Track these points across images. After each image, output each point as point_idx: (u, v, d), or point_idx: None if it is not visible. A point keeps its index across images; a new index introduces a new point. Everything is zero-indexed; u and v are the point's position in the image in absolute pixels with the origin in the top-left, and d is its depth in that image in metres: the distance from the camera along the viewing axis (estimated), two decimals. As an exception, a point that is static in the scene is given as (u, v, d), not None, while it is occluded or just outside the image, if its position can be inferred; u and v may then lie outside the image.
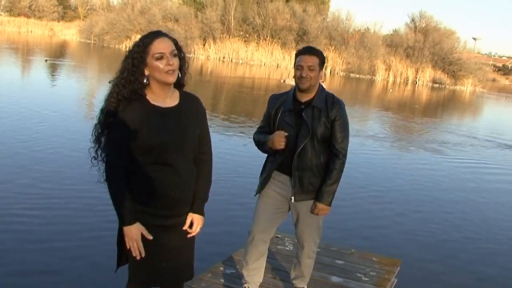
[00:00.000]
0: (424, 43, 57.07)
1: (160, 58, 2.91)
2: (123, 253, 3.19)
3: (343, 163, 4.12)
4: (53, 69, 27.93)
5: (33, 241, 6.10)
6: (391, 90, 43.60)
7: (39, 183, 8.13)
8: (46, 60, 30.85)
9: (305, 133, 4.04)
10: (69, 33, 67.27)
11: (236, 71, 42.29)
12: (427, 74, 56.66)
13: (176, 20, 56.41)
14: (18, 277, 5.27)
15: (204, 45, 55.21)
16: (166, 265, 3.10)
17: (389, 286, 5.22)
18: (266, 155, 4.31)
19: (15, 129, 11.72)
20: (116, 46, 55.20)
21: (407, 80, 55.87)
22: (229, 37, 55.41)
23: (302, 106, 4.10)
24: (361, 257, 5.65)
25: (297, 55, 4.10)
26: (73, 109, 15.54)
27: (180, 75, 3.05)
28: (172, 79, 2.98)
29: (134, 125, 2.92)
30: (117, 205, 2.98)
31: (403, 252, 6.84)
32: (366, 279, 5.12)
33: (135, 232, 2.99)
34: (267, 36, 55.86)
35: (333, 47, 55.54)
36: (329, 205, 4.16)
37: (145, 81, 2.96)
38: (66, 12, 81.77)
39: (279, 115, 4.16)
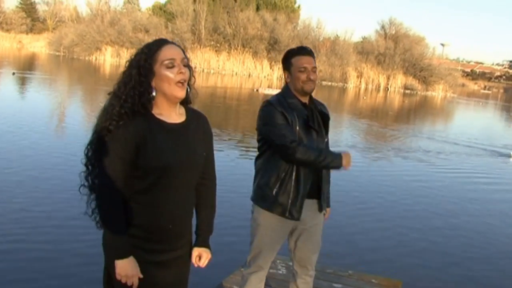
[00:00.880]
0: (395, 50, 57.53)
1: (171, 66, 2.51)
2: None
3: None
4: (21, 82, 27.20)
5: None
6: (364, 97, 43.68)
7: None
8: (13, 73, 30.01)
9: (321, 140, 3.73)
10: (38, 45, 66.24)
11: (208, 81, 41.90)
12: (399, 80, 57.06)
13: (147, 31, 55.88)
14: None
15: (175, 55, 54.76)
16: None
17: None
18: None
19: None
20: (86, 58, 54.55)
21: (379, 87, 56.17)
22: (200, 47, 55.06)
23: (306, 110, 3.72)
24: (360, 279, 5.32)
25: (292, 56, 3.75)
26: (42, 124, 14.94)
27: (188, 89, 2.65)
28: (182, 93, 2.56)
29: (137, 141, 2.47)
30: (111, 235, 2.53)
31: (403, 272, 6.49)
32: (368, 304, 4.80)
33: (132, 267, 2.53)
34: (238, 46, 55.67)
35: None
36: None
37: (153, 93, 2.53)
38: (34, 24, 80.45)
39: (296, 124, 3.61)
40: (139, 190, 2.54)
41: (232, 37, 56.07)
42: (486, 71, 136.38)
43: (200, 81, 40.92)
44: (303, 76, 3.65)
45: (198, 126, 2.73)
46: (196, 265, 2.83)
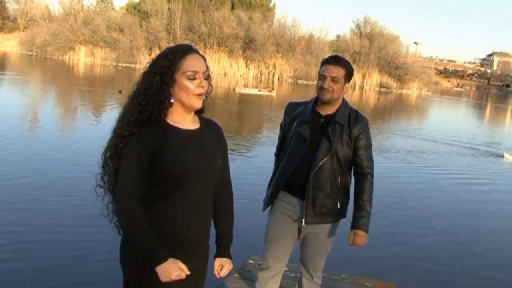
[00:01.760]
0: (370, 48, 57.95)
1: (193, 78, 2.46)
2: None
3: (371, 184, 3.71)
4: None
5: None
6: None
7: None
8: None
9: (325, 150, 3.60)
10: (9, 44, 65.12)
11: (184, 81, 41.55)
12: (374, 78, 57.48)
13: (121, 30, 55.41)
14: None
15: (150, 55, 54.33)
16: None
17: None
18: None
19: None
20: (60, 58, 53.83)
21: (355, 85, 56.46)
22: (175, 46, 54.79)
23: (322, 120, 3.67)
24: (354, 283, 5.18)
25: (322, 64, 3.70)
26: (14, 125, 14.58)
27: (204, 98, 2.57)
28: (199, 104, 2.52)
29: (153, 148, 2.40)
30: (142, 244, 2.39)
31: (395, 275, 6.37)
32: (365, 308, 4.65)
33: (174, 268, 2.39)
34: (213, 45, 55.53)
35: (280, 54, 55.72)
36: (367, 231, 3.69)
37: (172, 100, 2.46)
38: (4, 23, 79.03)
39: (294, 126, 3.71)
40: (157, 198, 2.44)
41: (208, 36, 55.91)
42: (459, 69, 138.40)
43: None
44: (319, 84, 3.64)
45: (212, 134, 2.67)
46: (218, 276, 2.74)
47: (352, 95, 46.70)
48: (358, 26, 62.77)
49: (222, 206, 2.74)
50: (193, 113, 2.58)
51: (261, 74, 55.47)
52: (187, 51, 2.50)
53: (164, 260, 2.38)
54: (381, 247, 7.46)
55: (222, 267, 2.70)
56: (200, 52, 2.56)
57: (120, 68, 49.76)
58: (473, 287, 6.65)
